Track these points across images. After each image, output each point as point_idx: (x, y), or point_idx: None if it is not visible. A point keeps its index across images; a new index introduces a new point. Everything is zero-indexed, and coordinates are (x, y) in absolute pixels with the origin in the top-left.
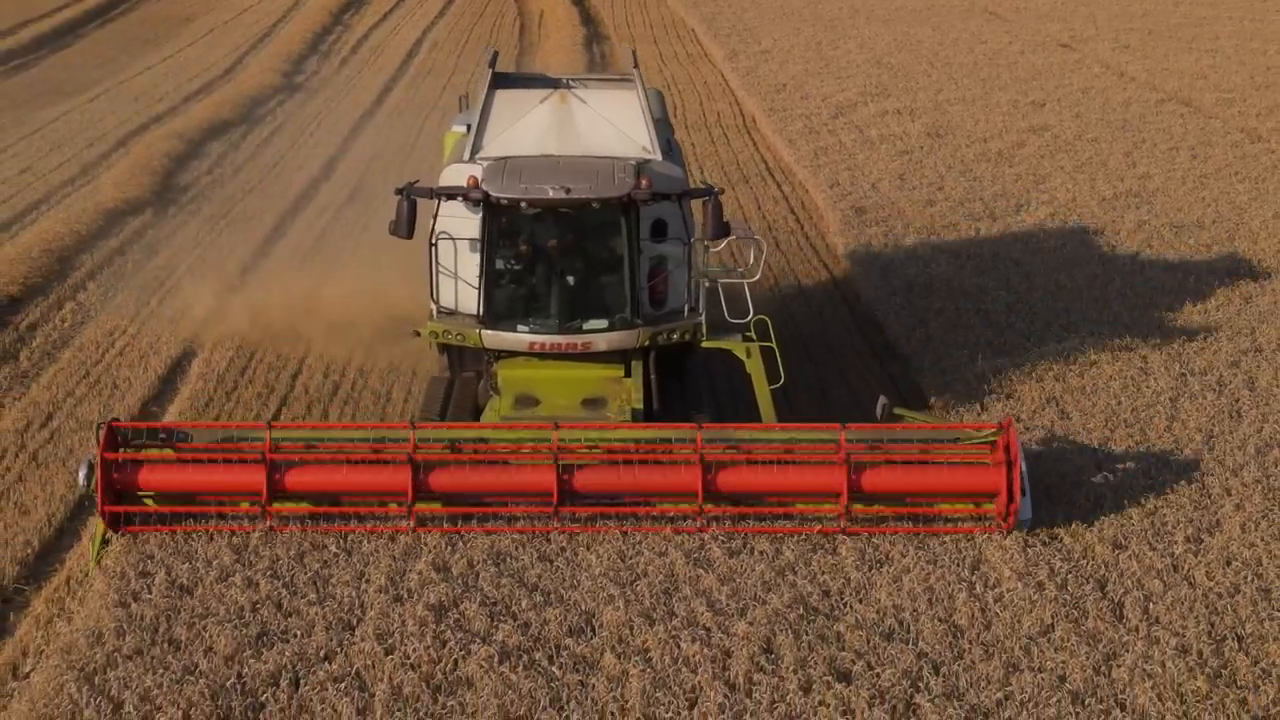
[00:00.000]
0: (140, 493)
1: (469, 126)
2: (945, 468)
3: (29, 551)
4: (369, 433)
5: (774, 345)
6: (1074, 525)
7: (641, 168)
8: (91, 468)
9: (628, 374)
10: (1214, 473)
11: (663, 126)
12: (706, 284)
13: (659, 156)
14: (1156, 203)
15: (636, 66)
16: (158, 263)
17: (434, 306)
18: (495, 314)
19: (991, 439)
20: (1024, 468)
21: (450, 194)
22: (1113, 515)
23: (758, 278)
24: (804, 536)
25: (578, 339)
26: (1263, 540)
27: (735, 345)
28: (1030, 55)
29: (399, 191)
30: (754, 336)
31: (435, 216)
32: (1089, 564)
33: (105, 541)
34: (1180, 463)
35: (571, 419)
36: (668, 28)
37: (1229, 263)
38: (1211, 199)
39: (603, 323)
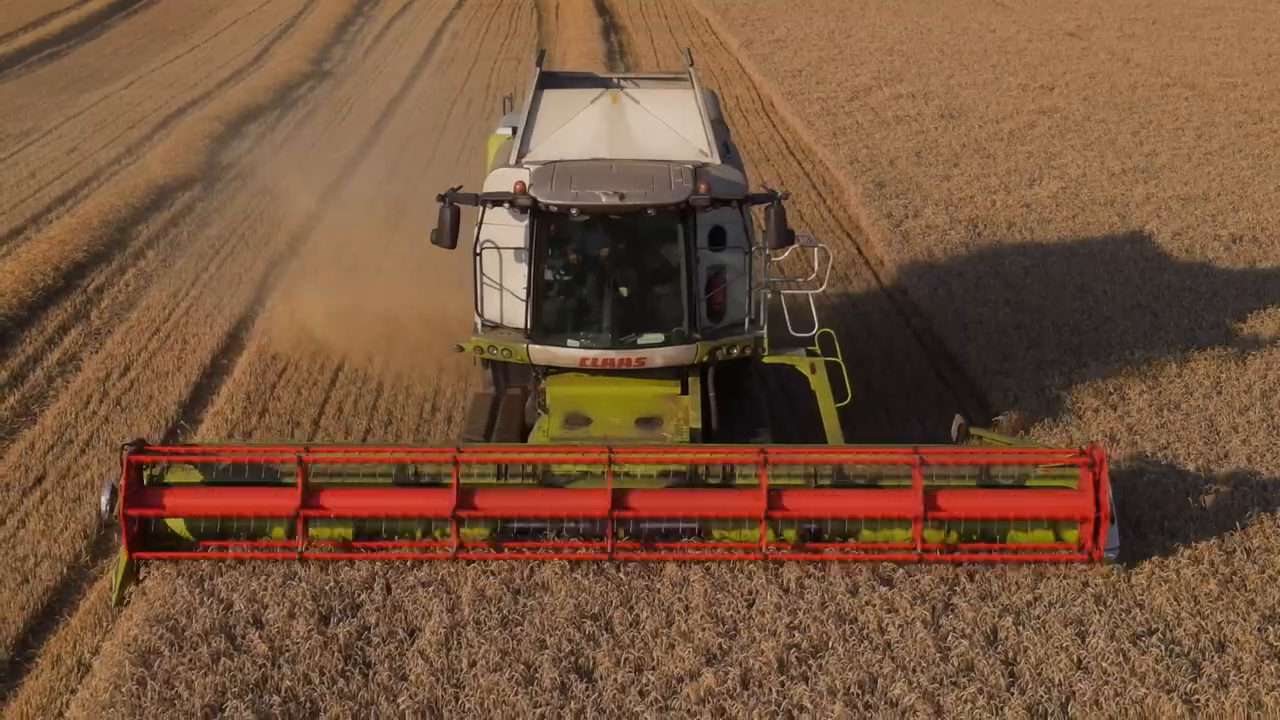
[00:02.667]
0: (166, 521)
1: (514, 129)
2: (1027, 494)
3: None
4: (410, 463)
5: (840, 360)
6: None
7: (699, 172)
8: (114, 493)
9: (684, 391)
10: (1222, 413)
11: (719, 128)
12: (768, 295)
13: (717, 160)
14: (1164, 177)
15: (692, 65)
16: (211, 232)
17: (478, 319)
18: (543, 328)
19: (1076, 465)
20: (1111, 494)
21: (496, 200)
22: (1128, 449)
23: (824, 288)
24: None
25: (632, 354)
26: (1267, 469)
27: (799, 360)
28: (1038, 43)
29: (441, 198)
30: (818, 351)
31: (479, 224)
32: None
33: (133, 577)
34: (1191, 404)
35: (625, 440)
36: (682, 18)
37: (1234, 231)
38: (1216, 174)
39: (658, 337)
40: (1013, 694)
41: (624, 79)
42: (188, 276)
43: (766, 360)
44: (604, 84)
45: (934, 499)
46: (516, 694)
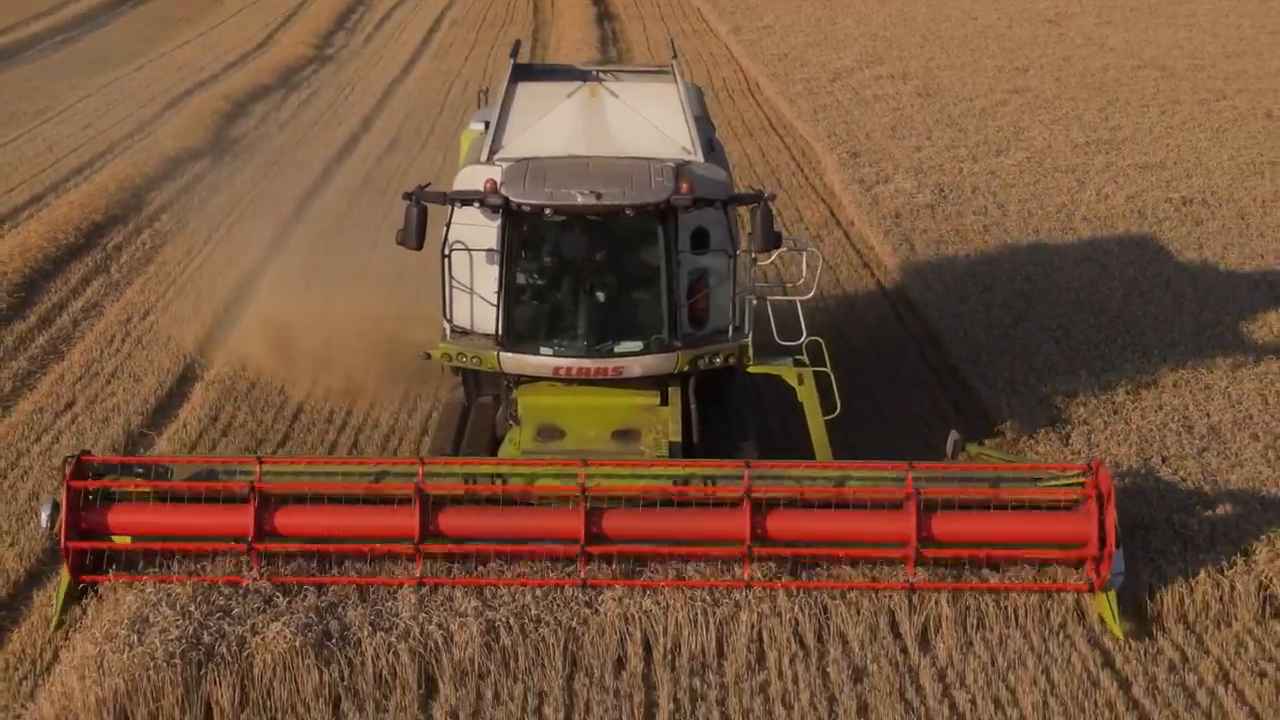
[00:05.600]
0: (113, 537)
1: (487, 124)
2: (1026, 517)
3: (147, 407)
4: (372, 469)
5: (829, 371)
6: (1032, 382)
7: (682, 170)
8: (56, 508)
9: (664, 402)
10: (1157, 347)
11: (704, 124)
12: (754, 301)
13: (701, 158)
14: (1125, 148)
15: (676, 57)
16: (221, 199)
17: (447, 325)
18: (516, 334)
19: (1079, 481)
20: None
21: (466, 199)
22: (1065, 375)
23: (812, 294)
24: None
25: (609, 363)
26: (1190, 393)
27: (786, 371)
28: (1017, 29)
29: (408, 196)
30: (806, 360)
31: (449, 224)
32: (1042, 409)
33: (74, 597)
34: (1129, 339)
35: (601, 453)
36: (673, 6)
37: (1185, 194)
38: (1175, 145)
39: (637, 345)
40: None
41: (604, 71)
42: (200, 237)
43: (751, 370)
44: (582, 77)
45: (928, 523)
46: None
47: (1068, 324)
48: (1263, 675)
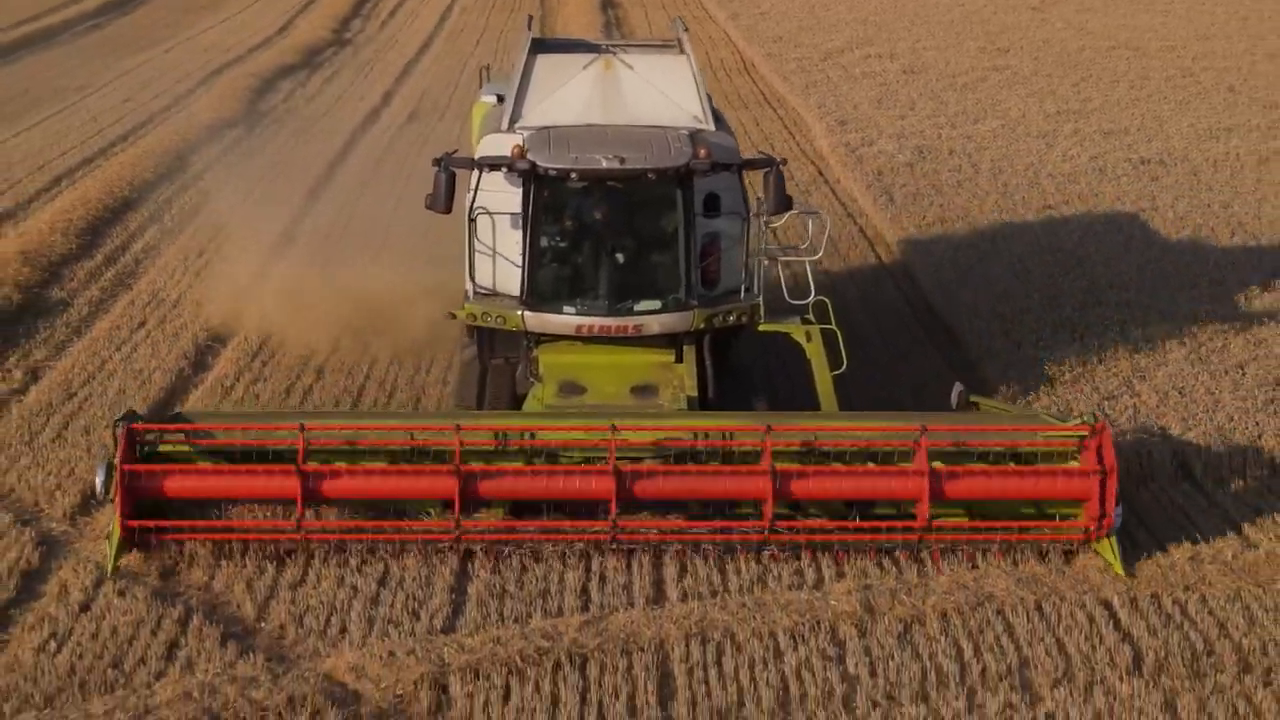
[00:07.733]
0: (164, 501)
1: (499, 97)
2: (1032, 471)
3: (212, 324)
4: (411, 433)
5: (835, 328)
6: (990, 304)
7: (696, 138)
8: (110, 470)
9: (679, 359)
10: (1104, 277)
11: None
12: (765, 262)
13: (712, 126)
14: (1093, 117)
15: (685, 31)
16: (258, 162)
17: (471, 286)
18: (539, 295)
19: (1082, 439)
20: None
21: (494, 165)
22: (1020, 299)
23: (820, 256)
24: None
25: (628, 321)
26: (1129, 311)
27: (794, 329)
28: (1002, 15)
29: (437, 162)
30: (813, 319)
31: (474, 190)
32: (998, 325)
33: (129, 547)
34: (1080, 273)
35: (622, 407)
36: None
37: (1144, 155)
38: (1139, 114)
39: (655, 304)
40: None
41: (616, 45)
42: (242, 191)
43: (761, 328)
44: (596, 50)
45: (939, 477)
46: None
47: (1026, 261)
48: (1172, 521)
